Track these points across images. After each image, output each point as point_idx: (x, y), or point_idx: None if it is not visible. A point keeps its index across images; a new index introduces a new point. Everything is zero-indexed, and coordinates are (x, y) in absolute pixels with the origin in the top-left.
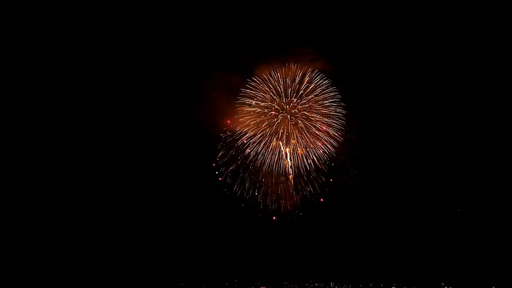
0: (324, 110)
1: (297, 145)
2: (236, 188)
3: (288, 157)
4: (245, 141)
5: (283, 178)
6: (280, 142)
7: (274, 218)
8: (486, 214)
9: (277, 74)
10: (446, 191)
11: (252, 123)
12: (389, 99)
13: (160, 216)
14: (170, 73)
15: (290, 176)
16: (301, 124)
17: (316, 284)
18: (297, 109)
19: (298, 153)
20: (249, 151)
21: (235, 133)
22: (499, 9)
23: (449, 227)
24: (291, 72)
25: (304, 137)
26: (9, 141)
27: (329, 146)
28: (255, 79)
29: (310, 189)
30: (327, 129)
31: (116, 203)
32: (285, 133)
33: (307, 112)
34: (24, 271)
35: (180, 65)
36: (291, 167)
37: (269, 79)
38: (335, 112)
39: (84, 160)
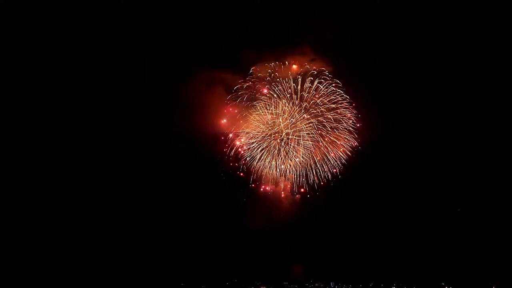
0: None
1: (297, 148)
2: (236, 189)
3: (289, 157)
4: (244, 141)
5: (283, 179)
6: (279, 142)
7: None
8: (486, 214)
9: (276, 74)
10: (446, 191)
11: (251, 124)
12: (389, 99)
13: (160, 216)
14: (169, 72)
15: (290, 176)
16: (301, 126)
17: (316, 284)
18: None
19: (298, 154)
20: (247, 151)
21: (233, 133)
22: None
23: (449, 227)
24: (290, 72)
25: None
26: (7, 141)
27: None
28: (254, 79)
29: (310, 189)
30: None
31: (117, 204)
32: (285, 136)
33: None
34: (24, 272)
35: (180, 64)
36: (291, 167)
37: (268, 79)
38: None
39: (85, 161)
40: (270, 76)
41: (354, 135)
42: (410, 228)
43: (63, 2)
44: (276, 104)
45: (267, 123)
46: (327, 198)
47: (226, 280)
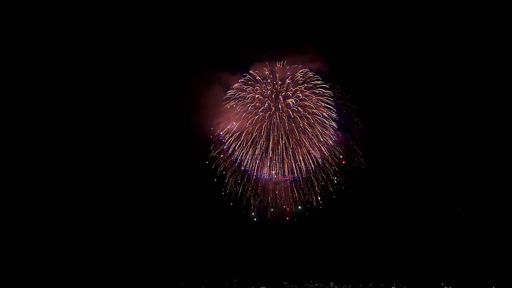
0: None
1: (295, 145)
2: (234, 189)
3: (286, 156)
4: (238, 142)
5: (282, 178)
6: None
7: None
8: (486, 214)
9: (275, 74)
10: (446, 191)
11: (247, 124)
12: (388, 99)
13: (160, 216)
14: (168, 71)
15: (289, 176)
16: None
17: (316, 284)
18: (291, 110)
19: (297, 153)
20: (244, 151)
21: (229, 134)
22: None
23: (449, 227)
24: (287, 72)
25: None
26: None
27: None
28: (251, 79)
29: (309, 189)
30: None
31: (117, 204)
32: (280, 134)
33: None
34: (24, 272)
35: (179, 64)
36: (289, 167)
37: (266, 78)
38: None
39: (84, 162)
40: (268, 76)
41: (355, 137)
42: (410, 228)
43: (63, 2)
44: (276, 105)
45: (264, 121)
46: (327, 199)
47: (226, 280)
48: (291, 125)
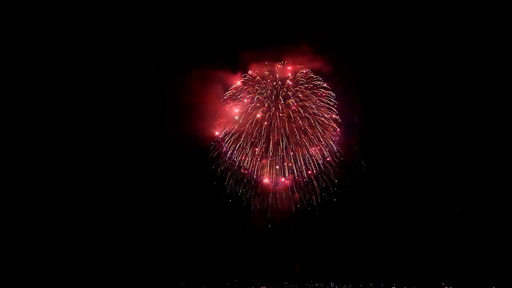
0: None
1: (295, 145)
2: (234, 190)
3: (286, 157)
4: (238, 143)
5: (282, 178)
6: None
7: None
8: (486, 214)
9: (275, 74)
10: (446, 191)
11: (246, 124)
12: (388, 99)
13: (160, 216)
14: (168, 71)
15: (289, 176)
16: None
17: (316, 284)
18: (290, 110)
19: (297, 153)
20: (244, 152)
21: (229, 134)
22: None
23: (449, 227)
24: (287, 72)
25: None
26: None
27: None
28: (251, 79)
29: (309, 188)
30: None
31: (117, 205)
32: (280, 134)
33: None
34: (24, 272)
35: (179, 64)
36: (290, 167)
37: (266, 78)
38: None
39: (84, 163)
40: (268, 76)
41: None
42: (410, 228)
43: (63, 2)
44: (276, 106)
45: (264, 122)
46: (327, 199)
47: (226, 280)
48: (291, 125)
